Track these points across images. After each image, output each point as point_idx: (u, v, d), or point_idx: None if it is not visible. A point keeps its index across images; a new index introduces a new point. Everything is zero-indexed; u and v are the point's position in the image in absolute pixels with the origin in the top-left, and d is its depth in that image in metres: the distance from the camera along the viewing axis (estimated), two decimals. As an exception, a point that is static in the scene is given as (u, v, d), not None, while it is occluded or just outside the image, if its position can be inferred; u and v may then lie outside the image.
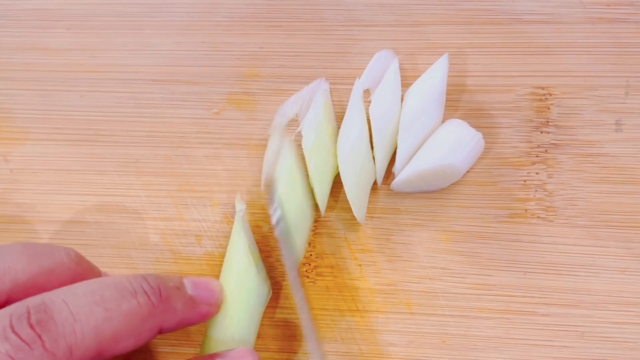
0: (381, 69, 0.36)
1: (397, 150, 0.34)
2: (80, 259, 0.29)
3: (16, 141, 0.39)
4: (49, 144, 0.38)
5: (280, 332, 0.35)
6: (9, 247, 0.27)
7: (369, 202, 0.36)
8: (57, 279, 0.27)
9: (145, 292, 0.27)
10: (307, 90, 0.36)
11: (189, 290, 0.29)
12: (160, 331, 0.28)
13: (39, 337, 0.24)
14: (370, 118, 0.34)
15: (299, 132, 0.35)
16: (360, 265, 0.35)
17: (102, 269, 0.36)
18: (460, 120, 0.34)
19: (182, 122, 0.38)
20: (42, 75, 0.39)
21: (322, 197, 0.35)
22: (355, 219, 0.35)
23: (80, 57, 0.39)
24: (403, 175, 0.34)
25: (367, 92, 0.36)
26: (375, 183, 0.35)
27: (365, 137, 0.34)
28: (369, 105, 0.35)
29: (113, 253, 0.36)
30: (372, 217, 0.36)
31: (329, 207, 0.36)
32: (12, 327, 0.24)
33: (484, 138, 0.34)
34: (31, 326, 0.24)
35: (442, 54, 0.36)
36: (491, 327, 0.34)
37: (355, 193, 0.34)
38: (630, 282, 0.33)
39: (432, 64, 0.37)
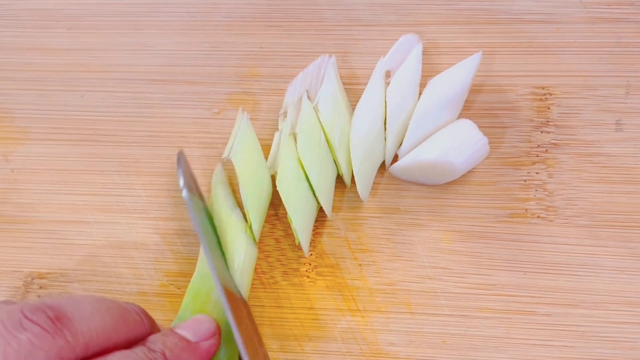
0: (405, 52, 0.36)
1: (405, 136, 0.34)
2: (146, 316, 0.29)
3: (16, 141, 0.39)
4: (49, 144, 0.38)
5: (280, 332, 0.35)
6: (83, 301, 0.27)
7: (370, 201, 0.36)
8: (125, 332, 0.28)
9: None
10: (313, 66, 0.36)
11: (188, 336, 0.29)
12: None
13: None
14: (387, 99, 0.34)
15: (316, 105, 0.35)
16: (360, 265, 0.35)
17: (103, 269, 0.36)
18: (470, 121, 0.34)
19: (182, 122, 0.38)
20: (42, 75, 0.39)
21: (346, 166, 0.35)
22: (355, 218, 0.35)
23: (80, 57, 0.39)
24: (403, 161, 0.34)
25: (388, 73, 0.36)
26: (381, 171, 0.36)
27: (381, 116, 0.35)
28: (388, 86, 0.35)
29: (114, 253, 0.36)
30: (372, 216, 0.36)
31: (335, 207, 0.36)
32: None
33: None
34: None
35: (442, 54, 0.36)
36: (491, 327, 0.34)
37: (363, 170, 0.34)
38: (630, 281, 0.33)
39: (431, 63, 0.37)
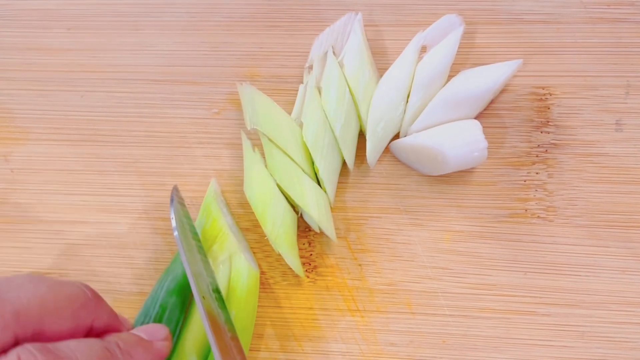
0: (444, 32, 0.36)
1: (419, 117, 0.35)
2: (91, 290, 0.29)
3: (17, 141, 0.39)
4: (49, 144, 0.38)
5: (280, 332, 0.35)
6: (15, 278, 0.27)
7: (370, 201, 0.36)
8: (65, 303, 0.27)
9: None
10: (340, 22, 0.37)
11: (142, 335, 0.30)
12: None
13: None
14: (416, 73, 0.35)
15: (341, 60, 0.36)
16: (360, 265, 0.35)
17: (103, 269, 0.36)
18: (478, 122, 0.34)
19: (182, 122, 0.38)
20: (42, 75, 0.39)
21: (366, 119, 0.35)
22: (355, 218, 0.35)
23: (80, 57, 0.39)
24: (403, 140, 0.35)
25: (423, 49, 0.36)
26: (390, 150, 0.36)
27: (406, 86, 0.35)
28: (420, 61, 0.35)
29: (113, 253, 0.36)
30: (372, 216, 0.36)
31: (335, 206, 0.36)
32: None
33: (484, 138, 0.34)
34: None
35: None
36: (491, 327, 0.34)
37: (376, 137, 0.35)
38: (630, 282, 0.33)
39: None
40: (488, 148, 0.35)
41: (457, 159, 0.33)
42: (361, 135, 0.36)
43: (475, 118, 0.35)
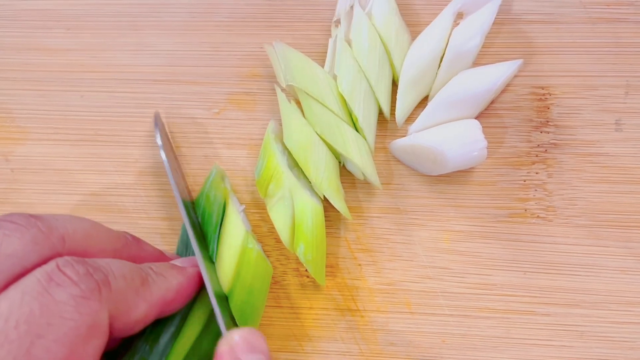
0: (483, 1, 0.36)
1: (420, 115, 0.35)
2: (132, 235, 0.31)
3: (16, 141, 0.39)
4: (49, 144, 0.38)
5: (280, 331, 0.35)
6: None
7: (370, 201, 0.36)
8: (107, 239, 0.28)
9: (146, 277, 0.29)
10: None
11: (178, 264, 0.31)
12: (165, 305, 0.29)
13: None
14: (450, 39, 0.35)
15: (368, 12, 0.36)
16: (360, 264, 0.35)
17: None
18: (478, 122, 0.34)
19: (182, 122, 0.38)
20: (42, 75, 0.39)
21: (400, 63, 0.36)
22: (355, 218, 0.35)
23: (80, 57, 0.39)
24: (402, 140, 0.35)
25: (460, 15, 0.36)
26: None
27: (440, 48, 0.35)
28: (456, 27, 0.35)
29: (113, 253, 0.36)
30: (372, 216, 0.36)
31: (330, 207, 0.36)
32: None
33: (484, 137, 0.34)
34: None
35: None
36: (491, 327, 0.34)
37: (407, 97, 0.35)
38: (630, 281, 0.33)
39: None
40: (488, 148, 0.35)
41: (457, 159, 0.33)
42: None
43: (475, 118, 0.35)
